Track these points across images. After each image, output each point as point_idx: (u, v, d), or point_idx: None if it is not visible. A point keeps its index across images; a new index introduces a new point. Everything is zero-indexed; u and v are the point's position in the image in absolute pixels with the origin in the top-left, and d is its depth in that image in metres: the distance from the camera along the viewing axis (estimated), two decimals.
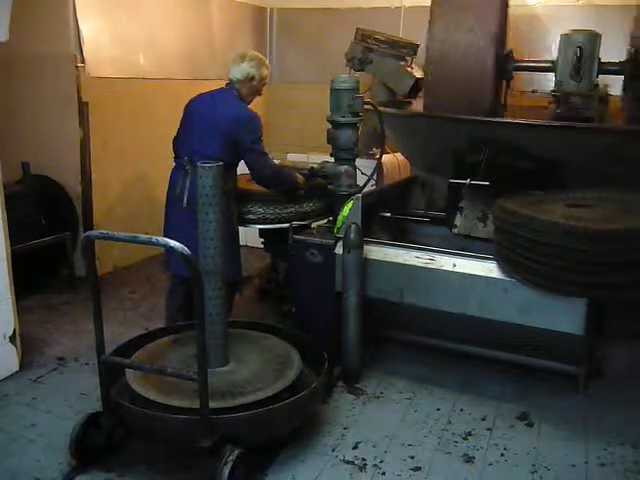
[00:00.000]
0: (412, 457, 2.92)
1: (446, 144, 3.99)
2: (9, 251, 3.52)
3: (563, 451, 2.99)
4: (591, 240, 2.92)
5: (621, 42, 4.73)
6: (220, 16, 6.66)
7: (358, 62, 5.71)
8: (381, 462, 2.88)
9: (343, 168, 3.82)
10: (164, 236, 2.90)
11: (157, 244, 2.53)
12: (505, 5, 4.18)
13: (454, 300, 3.35)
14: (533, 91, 4.94)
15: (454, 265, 3.35)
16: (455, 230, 4.04)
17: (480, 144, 3.71)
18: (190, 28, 6.13)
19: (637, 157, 3.48)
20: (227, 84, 3.71)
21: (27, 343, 3.82)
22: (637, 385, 3.56)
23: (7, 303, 3.52)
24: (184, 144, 3.66)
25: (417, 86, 5.50)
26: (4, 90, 4.96)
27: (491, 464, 2.89)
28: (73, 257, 4.87)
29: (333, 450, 2.96)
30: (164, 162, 3.88)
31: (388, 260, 3.49)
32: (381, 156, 4.24)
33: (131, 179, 5.47)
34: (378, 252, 3.53)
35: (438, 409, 3.33)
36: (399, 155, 5.37)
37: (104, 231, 2.66)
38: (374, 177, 4.22)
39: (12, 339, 3.56)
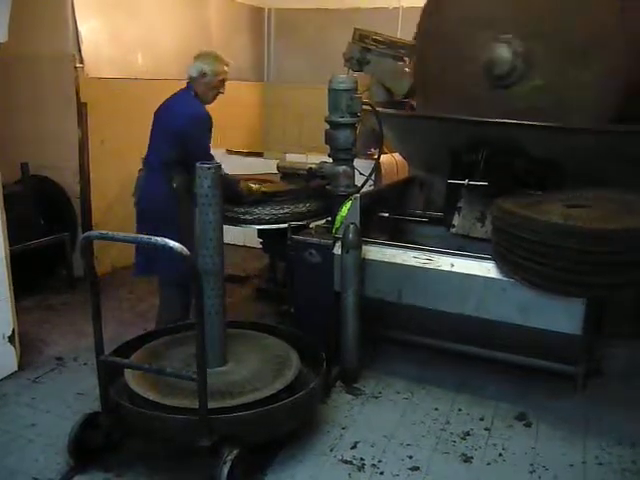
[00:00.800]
0: (410, 457, 2.92)
1: (444, 144, 3.99)
2: (8, 251, 3.52)
3: (561, 451, 2.99)
4: (589, 240, 2.93)
5: None
6: (218, 17, 6.67)
7: (356, 62, 5.71)
8: (379, 462, 2.88)
9: (341, 168, 3.82)
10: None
11: (157, 244, 2.52)
12: None
13: (452, 300, 3.35)
14: None
15: (452, 265, 3.35)
16: (453, 230, 4.03)
17: (478, 144, 3.72)
18: (188, 29, 6.14)
19: (637, 157, 3.49)
20: (187, 84, 3.72)
21: (26, 343, 3.83)
22: (635, 385, 3.57)
23: (6, 303, 3.52)
24: (148, 146, 3.76)
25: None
26: (3, 90, 4.96)
27: (489, 464, 2.89)
28: (72, 257, 4.88)
29: (332, 450, 2.96)
30: None
31: (386, 260, 3.49)
32: (379, 156, 4.24)
33: (130, 179, 5.44)
34: (376, 252, 3.53)
35: (436, 409, 3.33)
36: (397, 155, 5.37)
37: (103, 231, 2.66)
38: (372, 177, 4.22)
39: (11, 339, 3.56)
